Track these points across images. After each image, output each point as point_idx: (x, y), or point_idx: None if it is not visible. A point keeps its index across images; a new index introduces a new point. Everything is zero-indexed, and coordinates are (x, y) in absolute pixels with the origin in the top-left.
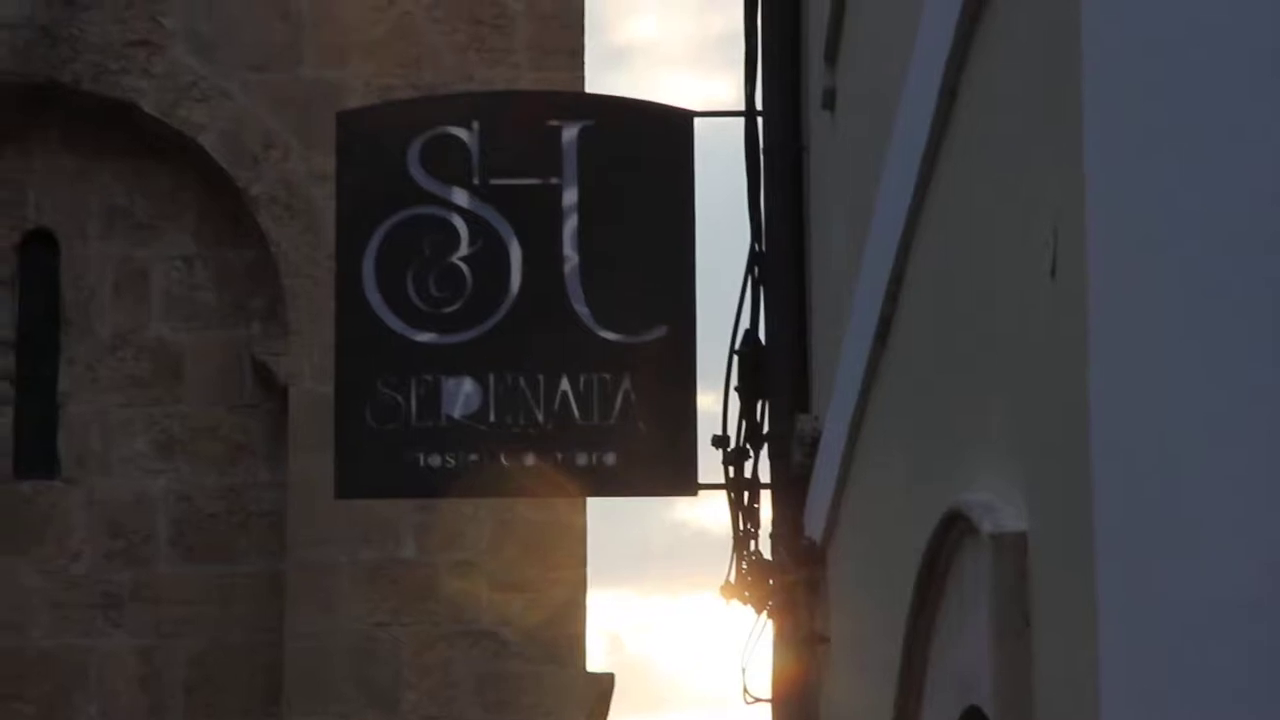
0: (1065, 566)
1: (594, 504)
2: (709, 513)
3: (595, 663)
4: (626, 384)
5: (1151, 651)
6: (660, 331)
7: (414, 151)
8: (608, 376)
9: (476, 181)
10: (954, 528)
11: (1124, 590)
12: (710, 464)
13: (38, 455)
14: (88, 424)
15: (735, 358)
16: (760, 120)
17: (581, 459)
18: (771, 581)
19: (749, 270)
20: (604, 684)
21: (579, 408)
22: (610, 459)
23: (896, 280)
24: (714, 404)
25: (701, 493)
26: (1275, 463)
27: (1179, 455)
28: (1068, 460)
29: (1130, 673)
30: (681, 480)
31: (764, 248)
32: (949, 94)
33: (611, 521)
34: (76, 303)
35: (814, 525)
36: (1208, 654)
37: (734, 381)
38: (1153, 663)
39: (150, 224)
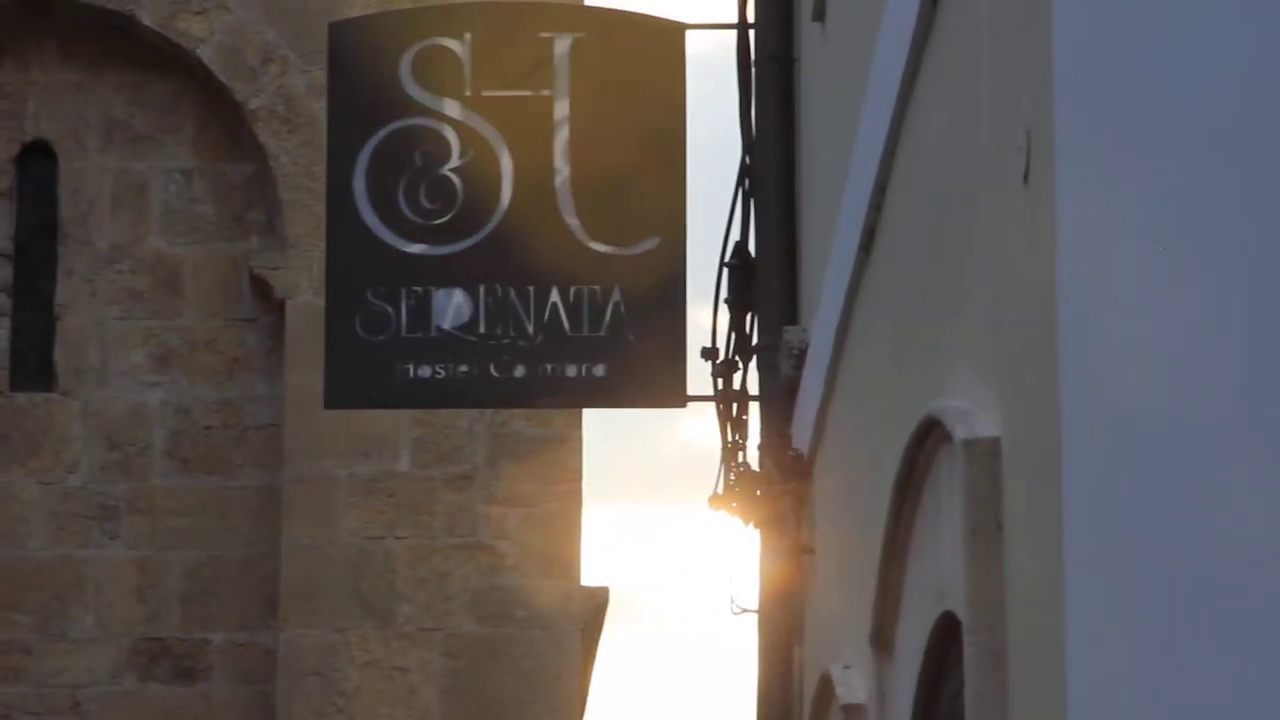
0: (1035, 472)
1: (590, 420)
2: (706, 428)
3: (590, 577)
4: (616, 296)
5: (1116, 554)
6: (651, 244)
7: (406, 63)
8: (598, 288)
9: (468, 93)
10: (930, 434)
11: (1089, 495)
12: (700, 376)
13: (35, 367)
14: (85, 336)
15: (725, 270)
16: (752, 32)
17: (571, 370)
18: (759, 493)
19: (739, 182)
20: (599, 597)
21: (569, 319)
22: (600, 370)
23: (880, 190)
24: (704, 316)
25: (691, 406)
26: (1241, 365)
27: (1147, 360)
28: (1037, 365)
29: (1095, 576)
30: (670, 392)
31: (754, 160)
32: (931, 2)
33: (608, 437)
34: (74, 215)
35: (801, 437)
36: (1171, 556)
37: (724, 294)
38: (1117, 565)
39: (149, 137)
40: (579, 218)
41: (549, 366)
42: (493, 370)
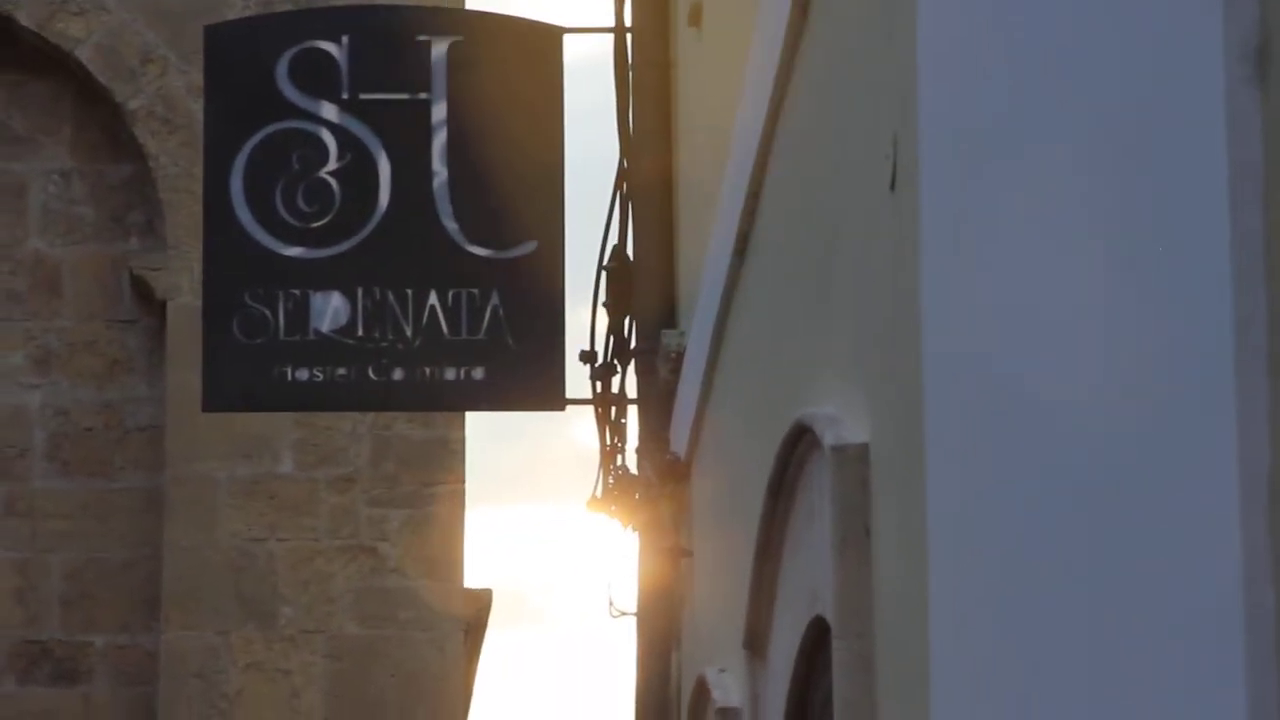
0: (900, 479)
1: (473, 421)
2: (593, 429)
3: (473, 578)
4: (495, 299)
5: (979, 561)
6: (529, 247)
7: (283, 65)
8: (476, 291)
9: (346, 96)
10: (801, 440)
11: (952, 502)
12: (578, 379)
13: None
14: None
15: (603, 273)
16: (629, 36)
17: (450, 374)
18: (637, 496)
19: (617, 186)
20: (482, 599)
21: (447, 323)
22: (479, 374)
23: (754, 196)
24: (583, 319)
25: (571, 409)
26: (1109, 370)
27: (1012, 367)
28: (903, 373)
29: (957, 583)
30: (549, 395)
31: (632, 164)
32: (800, 10)
33: (497, 438)
34: None
35: (679, 440)
36: (1035, 564)
37: (602, 297)
38: (979, 573)
39: (27, 138)
40: (457, 221)
41: (428, 370)
42: (371, 373)
